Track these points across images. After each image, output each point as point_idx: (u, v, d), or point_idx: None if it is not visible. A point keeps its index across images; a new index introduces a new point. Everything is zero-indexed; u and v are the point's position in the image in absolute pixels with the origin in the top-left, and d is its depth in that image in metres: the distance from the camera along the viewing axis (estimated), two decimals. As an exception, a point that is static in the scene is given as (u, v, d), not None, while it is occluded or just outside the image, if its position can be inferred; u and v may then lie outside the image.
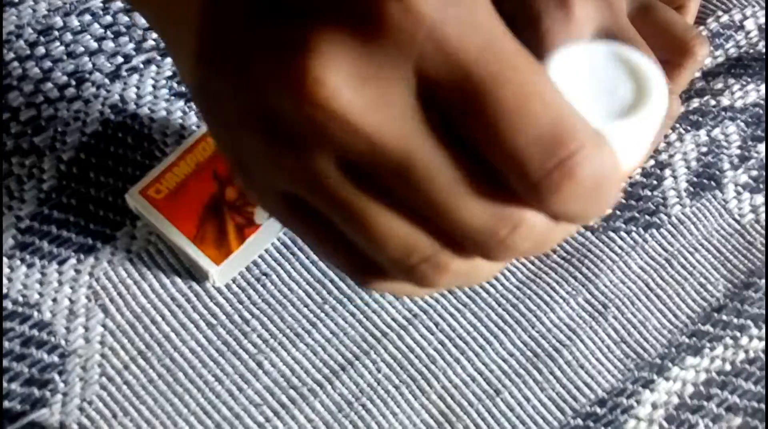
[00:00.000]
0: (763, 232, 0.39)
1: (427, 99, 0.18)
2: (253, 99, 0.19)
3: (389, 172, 0.18)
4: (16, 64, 0.39)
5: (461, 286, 0.31)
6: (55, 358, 0.34)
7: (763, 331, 0.37)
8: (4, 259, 0.35)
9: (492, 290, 0.36)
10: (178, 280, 0.35)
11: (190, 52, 0.21)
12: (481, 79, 0.17)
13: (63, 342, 0.34)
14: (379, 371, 0.34)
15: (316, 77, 0.17)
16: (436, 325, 0.35)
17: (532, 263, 0.37)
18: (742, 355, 0.36)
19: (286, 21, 0.18)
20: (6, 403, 0.33)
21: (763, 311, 0.37)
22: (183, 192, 0.34)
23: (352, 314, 0.35)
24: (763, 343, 0.37)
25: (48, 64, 0.39)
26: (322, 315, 0.35)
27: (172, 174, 0.34)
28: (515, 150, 0.17)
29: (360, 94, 0.18)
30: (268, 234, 0.35)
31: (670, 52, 0.38)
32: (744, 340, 0.37)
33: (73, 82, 0.39)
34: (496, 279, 0.37)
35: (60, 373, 0.33)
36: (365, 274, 0.23)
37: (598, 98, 0.20)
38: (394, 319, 0.35)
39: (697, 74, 0.43)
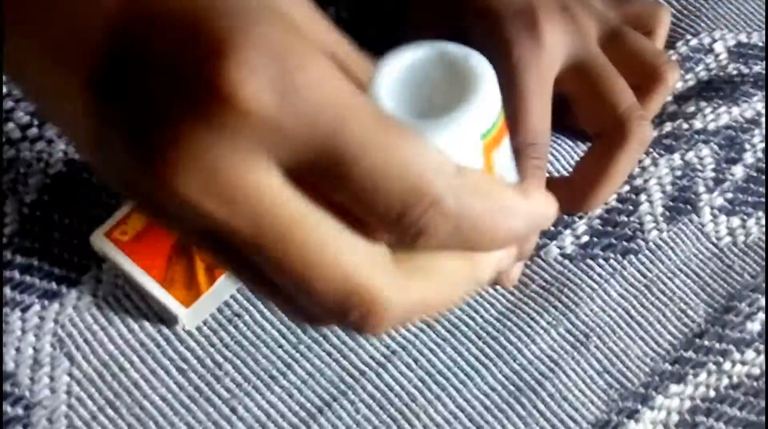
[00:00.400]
0: (741, 255, 0.39)
1: (293, 176, 0.19)
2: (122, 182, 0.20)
3: (241, 245, 0.19)
4: (-25, 105, 0.38)
5: (415, 321, 0.30)
6: (20, 411, 0.32)
7: (746, 355, 0.36)
8: (-37, 309, 0.34)
9: (471, 323, 0.36)
10: (147, 325, 0.34)
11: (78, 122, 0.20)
12: (334, 163, 0.18)
13: (27, 393, 0.32)
14: (357, 412, 0.33)
15: (164, 172, 0.18)
16: (416, 361, 0.35)
17: (512, 294, 0.37)
18: (725, 381, 0.36)
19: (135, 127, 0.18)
20: (-34, 462, 0.31)
21: (745, 336, 0.37)
22: (150, 233, 0.33)
23: (328, 353, 0.34)
24: (746, 368, 0.36)
25: (9, 104, 0.38)
26: (297, 355, 0.34)
27: (137, 215, 0.33)
28: (376, 218, 0.19)
29: (208, 183, 0.18)
30: (240, 273, 0.34)
31: (641, 78, 0.38)
32: (727, 366, 0.36)
33: (35, 122, 0.38)
34: (476, 311, 0.36)
35: (24, 426, 0.32)
36: (302, 319, 0.23)
37: (426, 99, 0.20)
38: (371, 357, 0.34)
39: (669, 98, 0.43)
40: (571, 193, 0.37)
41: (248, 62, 0.17)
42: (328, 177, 0.18)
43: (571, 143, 0.41)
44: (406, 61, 0.21)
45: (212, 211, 0.18)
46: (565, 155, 0.40)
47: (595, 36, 0.38)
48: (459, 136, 0.20)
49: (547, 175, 0.39)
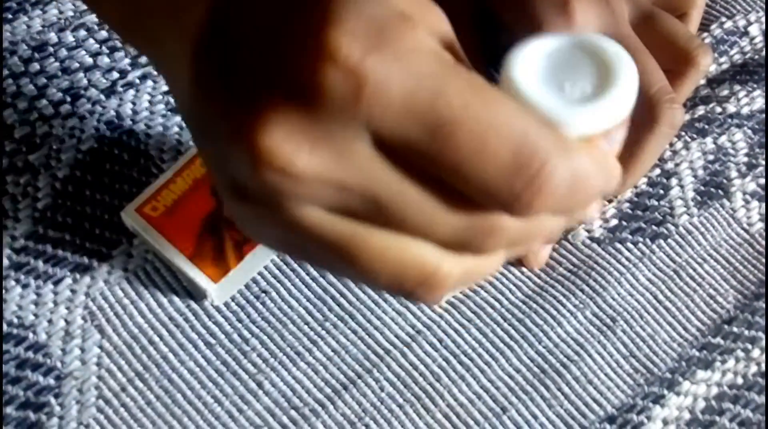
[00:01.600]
0: (773, 241, 0.38)
1: (387, 147, 0.18)
2: (221, 167, 0.20)
3: (364, 211, 0.19)
4: (10, 80, 0.38)
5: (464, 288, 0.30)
6: (51, 381, 0.33)
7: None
8: (-2, 281, 0.34)
9: (497, 305, 0.36)
10: (176, 299, 0.34)
11: (184, 87, 0.21)
12: (433, 130, 0.18)
13: (59, 364, 0.33)
14: (382, 390, 0.34)
15: (268, 148, 0.18)
16: (440, 341, 0.35)
17: (538, 277, 0.36)
18: (754, 368, 0.35)
19: (235, 96, 0.19)
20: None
21: (775, 323, 0.36)
22: (180, 209, 0.33)
23: (354, 331, 0.34)
24: (775, 356, 0.36)
25: (43, 80, 0.38)
26: (323, 333, 0.34)
27: (168, 191, 0.33)
28: (482, 184, 0.18)
29: (316, 153, 0.18)
30: (267, 250, 0.34)
31: (673, 62, 0.38)
32: (756, 353, 0.36)
33: (68, 99, 0.38)
34: (501, 293, 0.36)
35: (56, 396, 0.33)
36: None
37: (564, 88, 0.19)
38: (396, 336, 0.35)
39: (702, 81, 0.42)
40: None
41: (352, 31, 0.17)
42: (429, 147, 0.18)
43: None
44: (542, 48, 0.20)
45: (324, 177, 0.18)
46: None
47: (627, 17, 0.38)
48: (603, 121, 0.20)
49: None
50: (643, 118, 0.35)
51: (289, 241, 0.21)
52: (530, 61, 0.20)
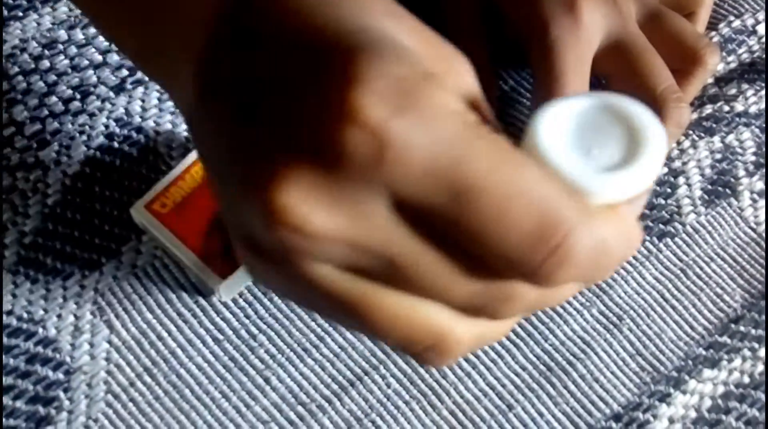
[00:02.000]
0: (780, 240, 0.38)
1: (406, 210, 0.18)
2: (233, 213, 0.19)
3: (378, 272, 0.19)
4: (20, 77, 0.38)
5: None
6: (60, 375, 0.33)
7: (782, 342, 0.36)
8: (8, 276, 0.34)
9: (503, 302, 0.36)
10: (184, 295, 0.35)
11: (189, 100, 0.21)
12: (455, 195, 0.17)
13: (68, 358, 0.33)
14: (388, 386, 0.34)
15: (284, 206, 0.17)
16: (447, 338, 0.35)
17: (544, 274, 0.36)
18: (760, 367, 0.35)
19: (252, 144, 0.18)
20: (11, 422, 0.32)
21: (782, 322, 0.36)
22: (188, 205, 0.33)
23: (361, 328, 0.35)
24: (782, 355, 0.36)
25: (52, 77, 0.39)
26: (330, 329, 0.35)
27: (177, 187, 0.33)
28: (503, 252, 0.18)
29: (333, 213, 0.17)
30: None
31: (681, 61, 0.38)
32: (762, 352, 0.36)
33: (78, 96, 0.38)
34: (508, 291, 0.36)
35: (65, 391, 0.33)
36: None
37: (591, 153, 0.19)
38: (403, 333, 0.35)
39: (710, 80, 0.42)
40: None
41: (376, 91, 0.17)
42: (450, 213, 0.17)
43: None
44: (568, 110, 0.19)
45: (340, 237, 0.18)
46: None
47: (635, 16, 0.38)
48: (630, 189, 0.19)
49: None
50: None
51: (299, 294, 0.21)
52: (557, 123, 0.19)
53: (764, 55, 0.43)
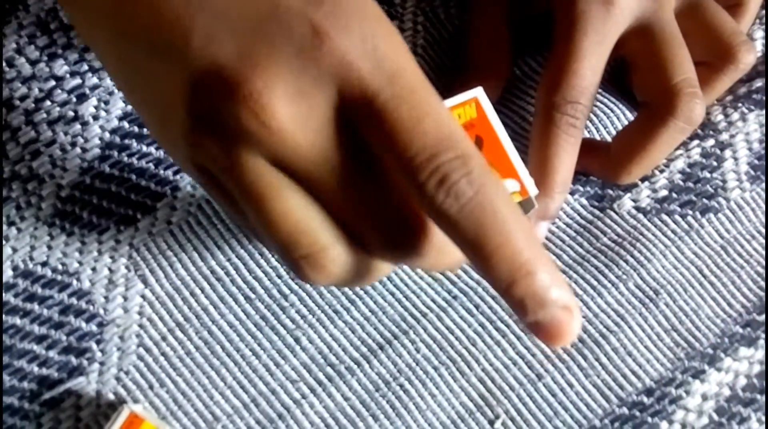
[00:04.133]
0: (827, 219, 0.37)
1: (343, 115, 0.22)
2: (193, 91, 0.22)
3: (299, 168, 0.22)
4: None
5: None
6: (93, 327, 0.34)
7: (824, 323, 0.35)
8: (44, 228, 0.35)
9: (537, 272, 0.35)
10: (218, 253, 0.35)
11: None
12: (383, 101, 0.22)
13: (101, 311, 0.34)
14: (417, 351, 0.34)
15: (259, 90, 0.21)
16: (477, 307, 0.34)
17: (580, 246, 0.36)
18: (800, 348, 0.35)
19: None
20: (44, 371, 0.33)
21: (825, 303, 0.35)
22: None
23: (392, 293, 0.34)
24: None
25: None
26: (361, 293, 0.34)
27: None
28: (406, 157, 0.21)
29: (294, 108, 0.22)
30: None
31: (713, 55, 0.36)
32: (803, 333, 0.35)
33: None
34: (542, 261, 0.35)
35: (98, 342, 0.33)
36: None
37: None
38: (433, 301, 0.34)
39: (759, 54, 0.40)
40: (607, 161, 0.36)
41: (347, 26, 0.22)
42: (378, 112, 0.22)
43: (627, 109, 0.39)
44: None
45: (286, 129, 0.22)
46: (623, 121, 0.38)
47: (673, 3, 0.36)
48: None
49: (598, 137, 0.37)
50: (659, 107, 0.34)
51: (223, 183, 0.24)
52: None
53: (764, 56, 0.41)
